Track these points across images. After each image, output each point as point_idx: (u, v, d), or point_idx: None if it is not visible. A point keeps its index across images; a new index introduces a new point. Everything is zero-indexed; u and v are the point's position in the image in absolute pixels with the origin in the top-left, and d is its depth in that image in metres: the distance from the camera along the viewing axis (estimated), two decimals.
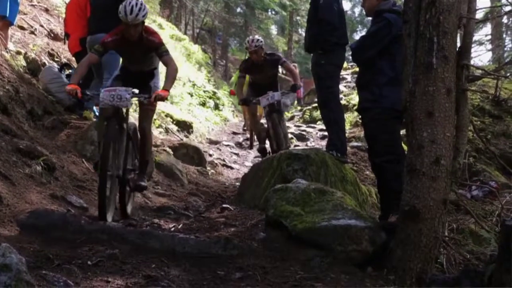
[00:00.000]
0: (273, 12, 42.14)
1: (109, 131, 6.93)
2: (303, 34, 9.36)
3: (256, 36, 11.29)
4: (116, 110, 6.99)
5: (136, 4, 7.08)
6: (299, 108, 21.80)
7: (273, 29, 45.09)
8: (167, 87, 7.10)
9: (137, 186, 7.68)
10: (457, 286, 4.49)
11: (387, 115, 6.76)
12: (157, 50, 7.36)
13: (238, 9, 39.24)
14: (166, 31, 24.76)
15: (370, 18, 7.53)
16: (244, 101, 11.28)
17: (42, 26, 12.78)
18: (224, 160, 14.11)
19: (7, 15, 10.23)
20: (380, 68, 6.88)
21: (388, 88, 6.77)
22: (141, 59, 7.67)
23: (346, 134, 9.80)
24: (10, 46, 10.49)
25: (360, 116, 8.45)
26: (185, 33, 30.85)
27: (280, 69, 12.45)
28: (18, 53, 10.60)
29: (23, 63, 10.50)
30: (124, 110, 7.17)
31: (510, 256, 3.68)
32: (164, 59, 7.35)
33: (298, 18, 39.85)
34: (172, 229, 7.06)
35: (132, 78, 7.64)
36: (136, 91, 7.14)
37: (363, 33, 7.78)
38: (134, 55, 7.55)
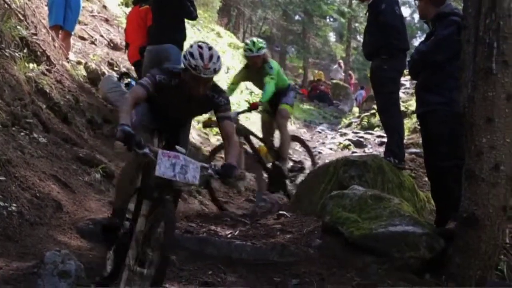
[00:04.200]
0: (331, 19, 42.03)
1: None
2: (362, 40, 9.25)
3: None
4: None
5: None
6: (356, 114, 21.68)
7: (331, 36, 44.97)
8: (232, 161, 5.06)
9: None
10: None
11: (456, 119, 6.64)
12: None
13: (296, 17, 39.20)
14: (224, 39, 24.90)
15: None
16: None
17: (102, 36, 13.05)
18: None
19: (62, 23, 10.47)
20: (451, 72, 6.77)
21: (457, 92, 6.66)
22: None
23: (405, 141, 9.68)
24: (71, 56, 10.73)
25: (418, 122, 8.33)
26: (243, 41, 30.90)
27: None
28: (79, 63, 10.84)
29: (83, 72, 10.72)
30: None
31: None
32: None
33: (356, 24, 39.55)
34: (229, 236, 7.10)
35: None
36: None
37: (423, 39, 7.63)
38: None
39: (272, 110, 9.43)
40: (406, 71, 9.36)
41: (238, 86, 9.98)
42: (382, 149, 10.56)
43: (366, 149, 14.99)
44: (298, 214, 8.01)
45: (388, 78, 8.34)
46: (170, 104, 5.39)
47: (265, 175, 9.38)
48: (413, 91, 9.39)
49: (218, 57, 5.06)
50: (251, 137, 9.22)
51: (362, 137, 16.31)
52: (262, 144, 9.41)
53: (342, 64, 35.64)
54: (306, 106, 27.59)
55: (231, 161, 5.02)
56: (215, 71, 5.04)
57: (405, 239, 5.96)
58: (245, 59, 9.71)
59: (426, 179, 8.58)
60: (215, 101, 5.33)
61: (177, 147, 4.86)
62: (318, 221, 7.00)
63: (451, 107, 6.64)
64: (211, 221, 7.78)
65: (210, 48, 5.05)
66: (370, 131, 16.81)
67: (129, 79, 10.99)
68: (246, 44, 9.50)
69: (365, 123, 17.92)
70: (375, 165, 7.91)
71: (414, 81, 8.35)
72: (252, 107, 9.09)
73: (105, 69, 11.54)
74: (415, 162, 11.00)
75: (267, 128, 9.84)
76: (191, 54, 4.98)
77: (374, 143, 15.42)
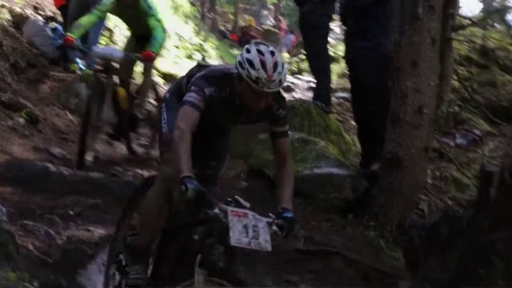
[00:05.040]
0: None
1: None
2: None
3: None
4: None
5: (278, 56, 3.90)
6: (286, 60, 21.68)
7: None
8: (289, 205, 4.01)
9: None
10: (436, 230, 4.52)
11: (383, 63, 6.70)
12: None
13: None
14: None
15: None
16: None
17: None
18: None
19: None
20: (377, 18, 6.84)
21: (384, 37, 6.72)
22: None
23: (333, 85, 9.75)
24: None
25: (347, 67, 8.39)
26: None
27: None
28: (2, 6, 10.47)
29: (8, 16, 10.38)
30: None
31: (488, 200, 3.70)
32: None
33: None
34: None
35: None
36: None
37: None
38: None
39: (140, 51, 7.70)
40: (335, 16, 9.36)
41: (104, 16, 8.34)
42: (310, 94, 10.59)
43: (294, 94, 15.01)
44: None
45: (320, 23, 8.34)
46: (216, 117, 4.28)
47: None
48: (342, 36, 9.45)
49: (283, 64, 3.88)
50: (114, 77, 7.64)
51: (291, 82, 16.33)
52: (121, 88, 7.91)
53: (272, 10, 35.51)
54: (236, 52, 27.47)
55: (287, 206, 4.01)
56: (280, 83, 3.87)
57: (330, 180, 6.06)
58: None
59: (353, 122, 8.70)
60: (274, 112, 4.14)
61: (239, 198, 3.93)
62: (245, 165, 7.01)
63: (379, 52, 6.71)
64: (137, 165, 7.70)
65: (272, 53, 3.87)
66: (299, 76, 16.83)
67: (55, 24, 10.73)
68: None
69: (295, 68, 17.94)
70: (303, 109, 7.95)
71: (344, 27, 8.39)
72: (146, 57, 7.51)
73: (30, 13, 11.19)
74: (342, 106, 11.07)
75: (127, 69, 8.07)
76: (250, 63, 3.81)
77: (303, 88, 15.45)
